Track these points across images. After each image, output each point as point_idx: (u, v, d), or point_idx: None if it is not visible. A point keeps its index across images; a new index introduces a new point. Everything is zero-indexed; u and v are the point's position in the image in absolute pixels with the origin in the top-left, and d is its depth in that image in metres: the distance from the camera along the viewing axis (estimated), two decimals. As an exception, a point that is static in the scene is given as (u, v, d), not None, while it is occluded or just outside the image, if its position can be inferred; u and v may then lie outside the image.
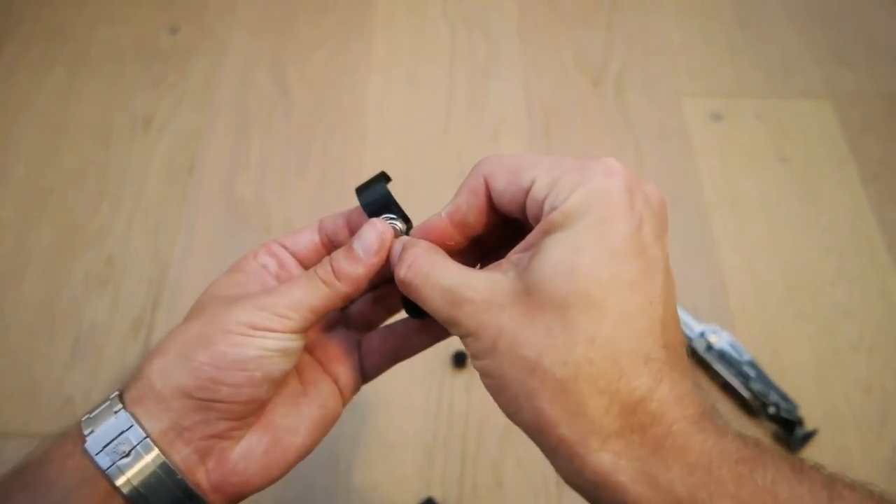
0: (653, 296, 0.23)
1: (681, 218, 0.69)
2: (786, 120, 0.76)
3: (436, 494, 0.54)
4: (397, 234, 0.28)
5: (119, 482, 0.24)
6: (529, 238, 0.24)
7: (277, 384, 0.27)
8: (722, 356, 0.59)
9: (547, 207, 0.23)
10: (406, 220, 0.29)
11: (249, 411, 0.26)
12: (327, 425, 0.30)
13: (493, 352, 0.23)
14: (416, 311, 0.28)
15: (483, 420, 0.57)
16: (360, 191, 0.30)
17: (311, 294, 0.27)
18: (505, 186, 0.25)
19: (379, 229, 0.28)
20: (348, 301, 0.28)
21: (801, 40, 0.83)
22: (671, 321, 0.23)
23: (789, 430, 0.56)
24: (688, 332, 0.61)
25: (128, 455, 0.25)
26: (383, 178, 0.30)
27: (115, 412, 0.25)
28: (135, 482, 0.25)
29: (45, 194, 0.70)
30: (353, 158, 0.72)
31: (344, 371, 0.31)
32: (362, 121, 0.75)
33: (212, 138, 0.74)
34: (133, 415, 0.25)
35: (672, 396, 0.22)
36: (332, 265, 0.27)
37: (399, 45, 0.82)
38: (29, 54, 0.80)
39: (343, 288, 0.27)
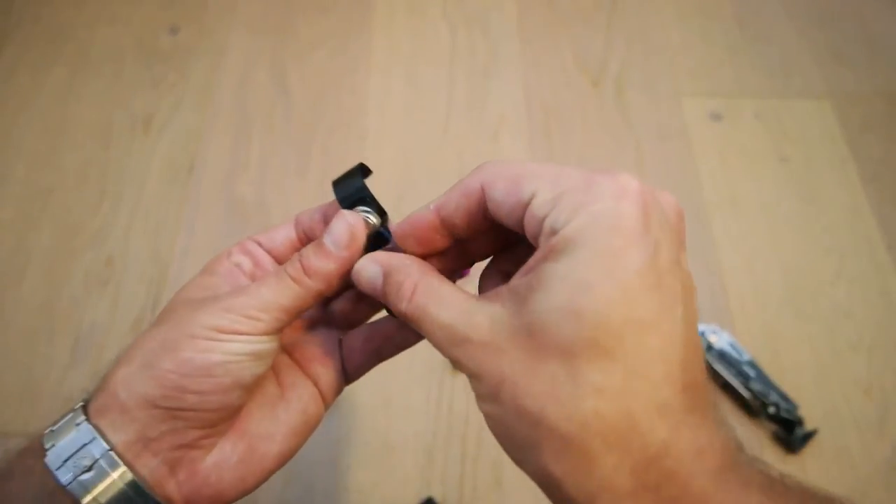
0: (672, 334, 0.20)
1: (681, 218, 0.69)
2: (785, 120, 0.76)
3: (436, 494, 0.54)
4: (370, 227, 0.27)
5: (84, 499, 0.23)
6: (530, 262, 0.22)
7: (250, 389, 0.26)
8: (722, 356, 0.59)
9: (547, 228, 0.21)
10: (381, 213, 0.28)
11: (220, 419, 0.25)
12: (307, 431, 0.28)
13: (495, 398, 0.22)
14: None
15: (483, 420, 0.57)
16: (336, 184, 0.28)
17: (280, 293, 0.25)
18: (503, 197, 0.23)
19: (349, 221, 0.26)
20: (322, 298, 0.27)
21: (801, 40, 0.83)
22: (693, 356, 0.21)
23: (789, 430, 0.56)
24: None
25: (90, 469, 0.23)
26: (360, 170, 0.28)
27: (77, 424, 0.24)
28: (99, 498, 0.23)
29: (45, 194, 0.70)
30: (353, 158, 0.72)
31: (325, 372, 0.29)
32: (362, 121, 0.75)
33: (212, 138, 0.74)
34: (97, 427, 0.24)
35: (691, 448, 0.20)
36: (301, 262, 0.26)
37: (399, 45, 0.82)
38: (29, 54, 0.80)
39: (314, 285, 0.26)
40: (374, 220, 0.27)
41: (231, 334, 0.24)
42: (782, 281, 0.66)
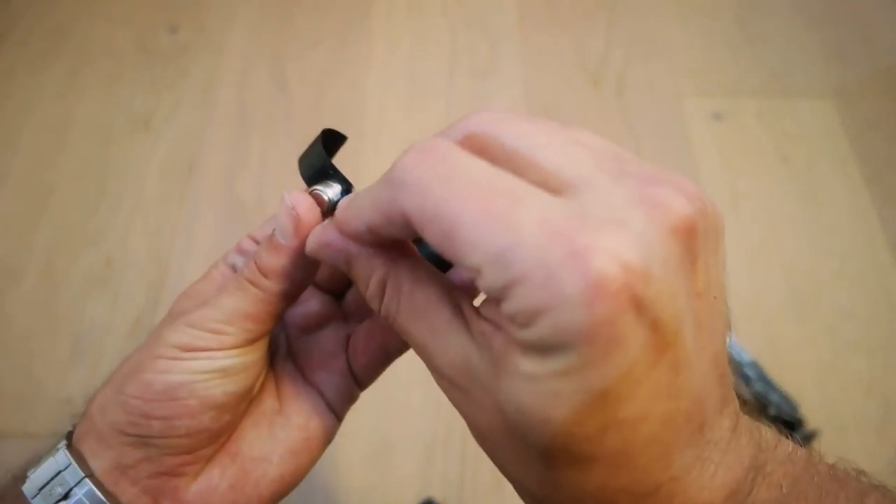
0: (670, 411, 0.17)
1: (681, 218, 0.69)
2: (787, 119, 0.76)
3: (436, 494, 0.54)
4: (324, 203, 0.23)
5: None
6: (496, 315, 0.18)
7: (231, 408, 0.23)
8: (723, 356, 0.58)
9: (506, 315, 0.16)
10: (345, 183, 0.24)
11: (198, 443, 0.23)
12: (312, 448, 0.25)
13: (479, 441, 0.20)
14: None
15: (483, 420, 0.57)
16: (301, 160, 0.25)
17: (242, 300, 0.23)
18: (440, 249, 0.17)
19: (288, 204, 0.22)
20: (293, 298, 0.24)
21: (802, 39, 0.83)
22: (700, 404, 0.18)
23: (790, 432, 0.56)
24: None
25: (66, 497, 0.22)
26: (320, 140, 0.24)
27: (57, 450, 0.23)
28: None
29: (45, 194, 0.70)
30: (352, 158, 0.72)
31: (328, 379, 0.26)
32: (362, 120, 0.75)
33: (212, 138, 0.74)
34: (78, 453, 0.23)
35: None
36: (255, 261, 0.23)
37: (399, 44, 0.82)
38: (28, 53, 0.80)
39: (274, 286, 0.23)
40: (329, 194, 0.23)
41: (195, 352, 0.22)
42: (783, 281, 0.65)
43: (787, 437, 0.21)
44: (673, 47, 0.82)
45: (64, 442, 0.23)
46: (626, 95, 0.78)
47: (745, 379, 0.57)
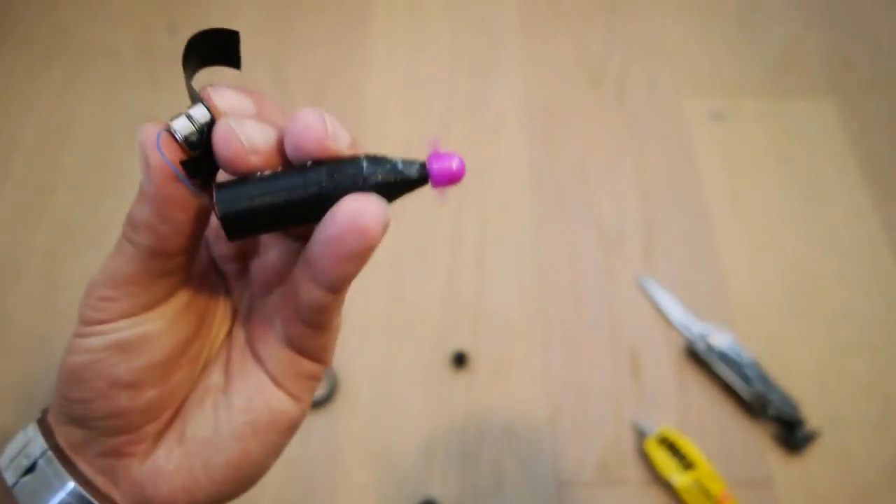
0: None
1: (681, 218, 0.69)
2: (787, 120, 0.76)
3: (436, 494, 0.54)
4: (172, 136, 0.19)
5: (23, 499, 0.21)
6: None
7: (151, 384, 0.21)
8: (723, 357, 0.58)
9: None
10: (200, 101, 0.20)
11: (129, 423, 0.21)
12: (261, 433, 0.21)
13: None
14: (234, 228, 0.19)
15: (483, 420, 0.57)
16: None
17: (119, 261, 0.20)
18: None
19: (139, 141, 0.19)
20: (170, 256, 0.20)
21: (803, 40, 0.83)
22: None
23: (790, 431, 0.56)
24: (687, 332, 0.61)
25: (31, 470, 0.21)
26: (188, 48, 0.20)
27: (29, 426, 0.23)
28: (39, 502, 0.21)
29: (45, 194, 0.70)
30: (353, 158, 0.72)
31: (267, 351, 0.21)
32: (362, 120, 0.75)
33: (212, 138, 0.74)
34: (48, 427, 0.22)
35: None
36: (127, 214, 0.20)
37: (399, 45, 0.82)
38: (29, 54, 0.80)
39: (144, 240, 0.19)
40: (183, 128, 0.19)
41: (93, 325, 0.20)
42: (784, 281, 0.65)
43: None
44: (673, 47, 0.82)
45: (38, 418, 0.23)
46: (627, 95, 0.78)
47: (745, 379, 0.57)
